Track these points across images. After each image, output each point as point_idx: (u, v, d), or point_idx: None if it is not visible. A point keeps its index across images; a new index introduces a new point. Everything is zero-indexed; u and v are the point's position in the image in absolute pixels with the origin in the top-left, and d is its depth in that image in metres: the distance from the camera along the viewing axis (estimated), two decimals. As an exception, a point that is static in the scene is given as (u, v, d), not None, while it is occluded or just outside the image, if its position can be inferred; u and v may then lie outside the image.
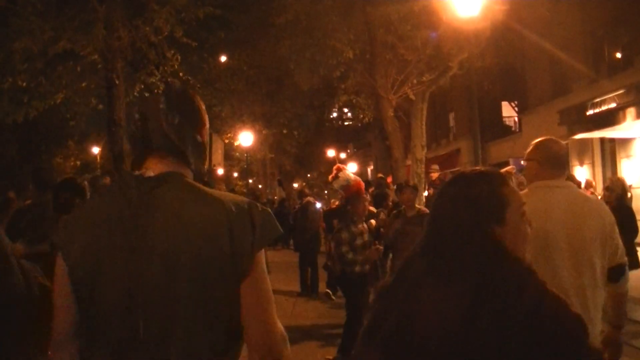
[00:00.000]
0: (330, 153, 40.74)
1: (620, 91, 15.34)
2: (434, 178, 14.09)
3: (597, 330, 3.04)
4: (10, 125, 17.52)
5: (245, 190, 31.70)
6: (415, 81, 15.57)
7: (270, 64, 22.95)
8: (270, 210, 1.85)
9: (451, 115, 30.54)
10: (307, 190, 15.75)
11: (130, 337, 1.69)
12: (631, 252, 8.00)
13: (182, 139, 1.87)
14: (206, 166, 2.02)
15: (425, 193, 14.15)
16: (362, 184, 8.83)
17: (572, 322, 1.64)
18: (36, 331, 2.28)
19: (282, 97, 26.05)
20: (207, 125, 2.00)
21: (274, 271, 12.16)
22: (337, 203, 12.71)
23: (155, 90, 14.83)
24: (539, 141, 3.33)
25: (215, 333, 1.72)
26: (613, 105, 15.61)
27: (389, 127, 16.23)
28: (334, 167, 9.04)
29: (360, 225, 7.18)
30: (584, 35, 17.88)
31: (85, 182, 4.62)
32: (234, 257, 1.71)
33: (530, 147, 3.34)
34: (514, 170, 5.04)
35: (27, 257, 2.81)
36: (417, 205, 7.77)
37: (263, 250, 1.80)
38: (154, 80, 14.88)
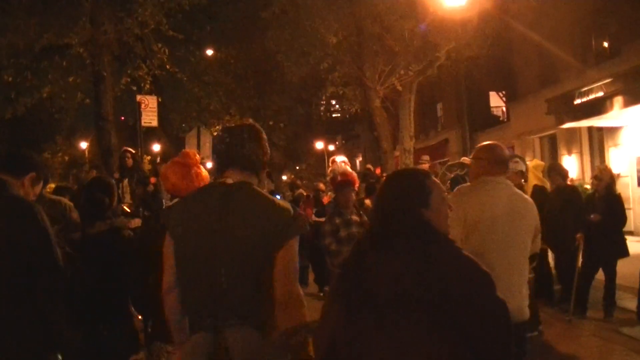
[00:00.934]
0: (319, 145, 40.71)
1: (608, 80, 15.35)
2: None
3: (524, 293, 3.74)
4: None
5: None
6: (402, 72, 15.47)
7: (258, 57, 22.84)
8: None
9: (439, 106, 30.50)
10: (298, 182, 15.71)
11: (215, 284, 2.52)
12: (620, 240, 8.03)
13: (254, 160, 2.75)
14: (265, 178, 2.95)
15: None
16: (351, 175, 8.76)
17: (481, 275, 2.19)
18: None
19: (270, 90, 25.94)
20: (269, 152, 2.83)
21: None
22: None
23: (142, 84, 14.79)
24: (488, 144, 4.03)
25: (257, 284, 2.52)
26: (600, 94, 15.63)
27: (377, 118, 16.22)
28: (330, 160, 9.56)
29: (349, 217, 7.06)
30: (571, 24, 17.89)
31: (112, 180, 4.74)
32: (277, 238, 2.53)
33: (480, 148, 4.03)
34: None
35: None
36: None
37: (297, 237, 2.58)
38: (141, 74, 14.77)
